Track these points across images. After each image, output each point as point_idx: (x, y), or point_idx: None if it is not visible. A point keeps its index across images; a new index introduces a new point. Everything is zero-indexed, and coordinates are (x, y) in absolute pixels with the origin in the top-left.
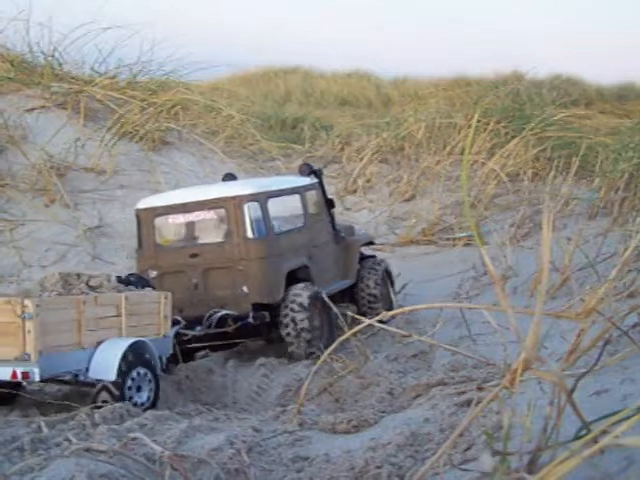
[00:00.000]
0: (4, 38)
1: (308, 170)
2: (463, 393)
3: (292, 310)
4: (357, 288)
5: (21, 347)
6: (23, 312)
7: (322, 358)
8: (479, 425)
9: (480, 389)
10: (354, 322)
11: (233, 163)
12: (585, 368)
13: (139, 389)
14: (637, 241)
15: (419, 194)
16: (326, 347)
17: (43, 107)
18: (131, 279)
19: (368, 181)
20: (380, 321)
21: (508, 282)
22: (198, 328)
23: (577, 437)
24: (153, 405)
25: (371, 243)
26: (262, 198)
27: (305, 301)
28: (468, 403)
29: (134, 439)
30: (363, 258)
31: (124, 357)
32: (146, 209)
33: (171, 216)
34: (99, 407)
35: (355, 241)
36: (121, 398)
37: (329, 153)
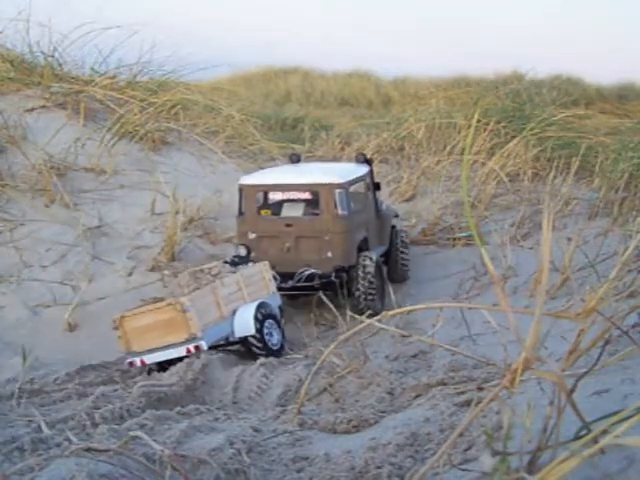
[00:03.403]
0: (4, 38)
1: (363, 159)
2: (463, 393)
3: (363, 272)
4: (392, 252)
5: (188, 331)
6: (183, 307)
7: (322, 358)
8: (479, 425)
9: (480, 389)
10: (353, 321)
11: (233, 163)
12: (585, 368)
13: (271, 335)
14: (637, 241)
15: (419, 194)
16: (381, 301)
17: (43, 107)
18: (235, 260)
19: None
20: (379, 321)
21: (508, 282)
22: (290, 282)
23: (577, 437)
24: (282, 345)
25: (396, 216)
26: (346, 185)
27: (372, 265)
28: (468, 403)
29: (134, 439)
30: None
31: (255, 316)
32: (249, 185)
33: (271, 192)
34: (98, 407)
35: (388, 214)
36: (263, 343)
37: (329, 153)
